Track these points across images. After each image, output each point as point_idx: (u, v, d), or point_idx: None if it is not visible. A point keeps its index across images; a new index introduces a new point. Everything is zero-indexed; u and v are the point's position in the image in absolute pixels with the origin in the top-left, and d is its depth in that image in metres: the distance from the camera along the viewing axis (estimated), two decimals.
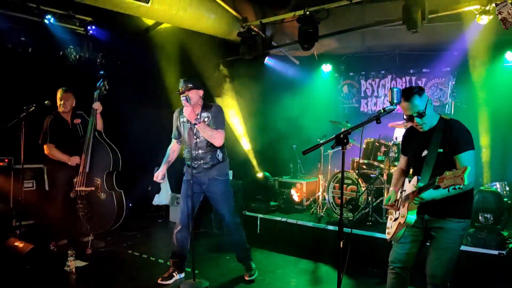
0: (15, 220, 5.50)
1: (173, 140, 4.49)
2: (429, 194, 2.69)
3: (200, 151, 4.22)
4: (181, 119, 4.30)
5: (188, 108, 4.00)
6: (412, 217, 2.80)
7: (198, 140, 4.19)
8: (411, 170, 3.23)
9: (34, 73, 5.92)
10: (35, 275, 4.34)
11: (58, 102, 5.16)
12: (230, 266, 4.88)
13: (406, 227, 2.89)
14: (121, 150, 5.28)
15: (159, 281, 4.28)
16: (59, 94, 5.17)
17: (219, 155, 4.28)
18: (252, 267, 4.53)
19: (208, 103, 4.35)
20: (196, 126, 4.07)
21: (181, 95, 4.05)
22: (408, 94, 2.83)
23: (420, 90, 2.85)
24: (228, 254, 5.23)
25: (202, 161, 4.23)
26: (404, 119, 2.96)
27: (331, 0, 5.48)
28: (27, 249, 4.50)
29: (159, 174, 4.36)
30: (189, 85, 4.13)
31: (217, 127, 4.17)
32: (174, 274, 4.35)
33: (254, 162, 7.89)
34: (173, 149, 4.48)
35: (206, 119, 4.19)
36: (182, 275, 4.45)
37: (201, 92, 4.24)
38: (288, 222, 5.80)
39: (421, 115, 2.83)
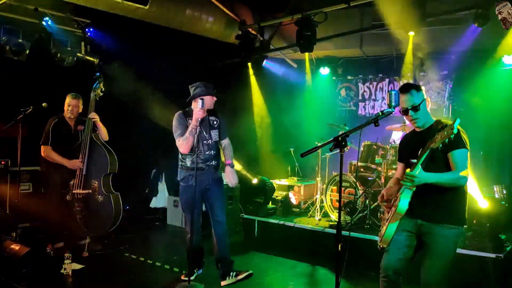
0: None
1: None
2: (427, 175, 2.64)
3: (212, 152, 4.30)
4: (188, 122, 4.19)
5: (201, 111, 3.98)
6: (404, 204, 2.73)
7: (210, 141, 4.28)
8: None
9: (31, 75, 5.89)
10: (31, 278, 4.30)
11: (66, 107, 5.12)
12: None
13: (399, 221, 2.81)
14: (118, 153, 5.24)
15: (182, 278, 4.44)
16: (67, 99, 5.12)
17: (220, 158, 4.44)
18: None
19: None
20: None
21: (199, 98, 4.03)
22: (406, 87, 2.92)
23: (417, 87, 2.93)
24: None
25: (213, 162, 4.32)
26: (400, 112, 2.98)
27: (329, 3, 5.49)
28: (23, 252, 4.46)
29: None
30: (214, 91, 4.26)
31: (227, 135, 4.43)
32: (194, 270, 4.46)
33: (252, 164, 7.87)
34: None
35: (215, 122, 4.34)
36: (201, 271, 4.58)
37: (214, 99, 4.34)
38: (286, 225, 5.79)
39: (415, 108, 2.86)
